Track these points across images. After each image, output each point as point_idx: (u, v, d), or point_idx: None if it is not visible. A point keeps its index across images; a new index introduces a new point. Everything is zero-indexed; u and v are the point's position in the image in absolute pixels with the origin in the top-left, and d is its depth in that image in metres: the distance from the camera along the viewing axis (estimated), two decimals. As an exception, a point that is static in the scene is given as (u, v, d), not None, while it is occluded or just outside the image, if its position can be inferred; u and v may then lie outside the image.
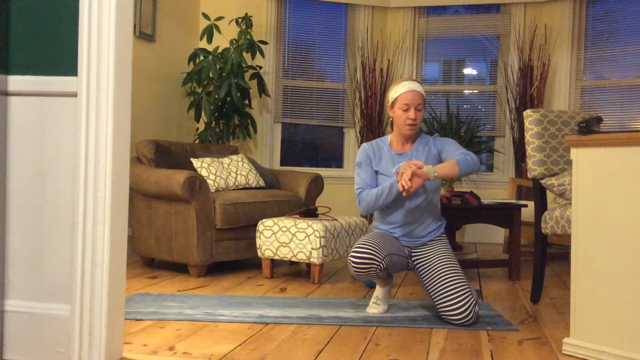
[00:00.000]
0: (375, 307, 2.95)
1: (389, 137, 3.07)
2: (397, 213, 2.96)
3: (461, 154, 2.82)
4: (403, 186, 2.65)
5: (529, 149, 3.23)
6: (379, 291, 2.99)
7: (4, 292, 2.13)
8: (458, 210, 3.90)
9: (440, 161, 2.97)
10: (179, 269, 4.01)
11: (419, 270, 2.94)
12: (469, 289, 2.76)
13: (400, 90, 2.93)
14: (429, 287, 2.85)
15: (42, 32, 2.09)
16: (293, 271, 4.09)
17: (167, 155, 4.20)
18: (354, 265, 2.77)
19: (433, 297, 2.82)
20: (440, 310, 2.78)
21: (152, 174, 3.83)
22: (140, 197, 3.98)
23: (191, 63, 5.34)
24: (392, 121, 3.01)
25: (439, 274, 2.82)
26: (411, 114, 2.90)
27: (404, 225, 2.96)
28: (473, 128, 5.74)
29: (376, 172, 2.99)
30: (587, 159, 2.35)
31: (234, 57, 5.14)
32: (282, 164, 6.03)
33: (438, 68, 6.24)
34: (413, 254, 2.99)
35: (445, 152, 2.94)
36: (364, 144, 3.05)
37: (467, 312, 2.71)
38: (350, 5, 6.09)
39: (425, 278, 2.88)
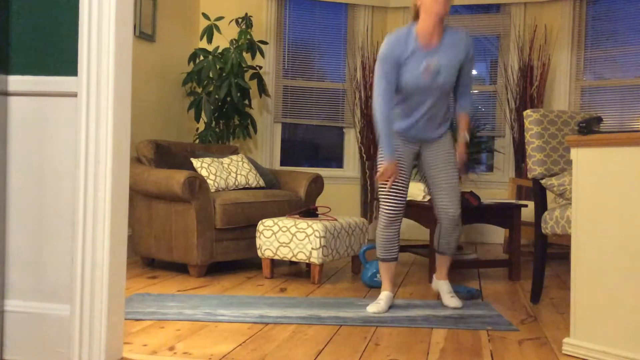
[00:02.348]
0: (375, 306, 2.96)
1: (415, 27, 3.01)
2: (418, 111, 3.01)
3: (468, 105, 3.14)
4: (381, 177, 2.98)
5: (529, 149, 3.23)
6: (384, 294, 3.05)
7: (4, 292, 2.13)
8: (458, 210, 3.90)
9: (457, 70, 3.00)
10: (179, 269, 4.01)
11: (427, 163, 3.10)
12: (459, 190, 3.11)
13: None
14: (433, 182, 3.08)
15: (42, 32, 2.09)
16: (293, 271, 4.09)
17: (167, 155, 4.20)
18: (390, 218, 3.03)
19: (434, 192, 3.08)
20: (438, 204, 3.06)
21: (152, 174, 3.83)
22: (140, 197, 3.98)
23: (191, 63, 5.34)
24: (416, 13, 3.02)
25: (444, 173, 3.06)
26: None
27: (423, 122, 3.04)
28: (473, 128, 5.74)
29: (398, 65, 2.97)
30: (587, 159, 2.35)
31: (234, 57, 5.14)
32: (282, 164, 6.04)
33: (438, 68, 6.23)
34: (423, 150, 3.11)
35: (462, 81, 3.09)
36: (391, 36, 2.99)
37: (458, 209, 3.05)
38: (350, 5, 6.09)
39: (431, 174, 3.09)
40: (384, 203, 3.04)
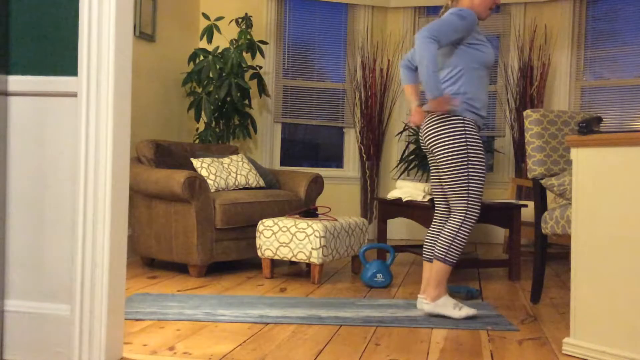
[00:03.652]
0: (468, 310, 2.87)
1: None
2: (486, 92, 2.97)
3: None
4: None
5: (529, 149, 3.23)
6: (452, 299, 2.95)
7: (4, 292, 2.13)
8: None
9: None
10: (179, 269, 4.01)
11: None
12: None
13: None
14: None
15: (42, 32, 2.09)
16: (293, 271, 4.09)
17: (167, 155, 4.20)
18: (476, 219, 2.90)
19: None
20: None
21: (152, 174, 3.83)
22: (140, 197, 3.98)
23: (191, 63, 5.34)
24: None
25: None
26: None
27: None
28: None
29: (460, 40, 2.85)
30: (587, 159, 2.35)
31: (234, 57, 5.14)
32: (282, 164, 6.04)
33: (438, 68, 6.23)
34: None
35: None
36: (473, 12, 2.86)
37: None
38: (350, 5, 6.09)
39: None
40: (477, 203, 2.87)
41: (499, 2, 2.96)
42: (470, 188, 2.85)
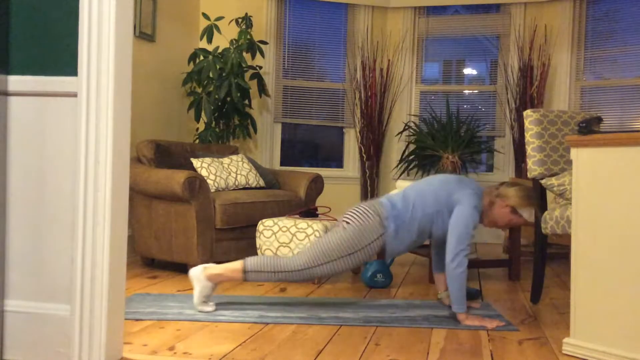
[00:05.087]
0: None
1: (483, 210, 2.95)
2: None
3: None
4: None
5: (529, 149, 3.23)
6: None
7: (4, 292, 2.13)
8: (458, 210, 3.90)
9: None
10: (179, 269, 4.01)
11: None
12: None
13: (527, 213, 2.88)
14: None
15: (42, 32, 2.09)
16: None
17: (167, 155, 4.20)
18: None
19: None
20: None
21: (152, 174, 3.83)
22: (140, 197, 3.98)
23: (191, 63, 5.34)
24: (492, 204, 2.92)
25: None
26: (515, 225, 2.97)
27: None
28: (473, 128, 5.74)
29: None
30: (587, 159, 2.35)
31: (234, 57, 5.14)
32: (282, 164, 6.04)
33: (438, 68, 6.24)
34: None
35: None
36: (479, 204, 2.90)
37: None
38: (350, 5, 6.09)
39: None
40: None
41: (508, 227, 3.05)
42: (334, 265, 2.88)
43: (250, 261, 2.90)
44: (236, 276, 2.89)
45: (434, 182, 2.97)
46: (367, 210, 2.90)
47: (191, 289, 3.41)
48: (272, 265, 2.87)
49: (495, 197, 2.92)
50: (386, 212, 2.89)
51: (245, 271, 2.88)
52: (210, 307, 2.88)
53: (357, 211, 2.91)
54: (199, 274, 2.91)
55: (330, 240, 2.87)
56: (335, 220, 3.80)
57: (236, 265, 2.90)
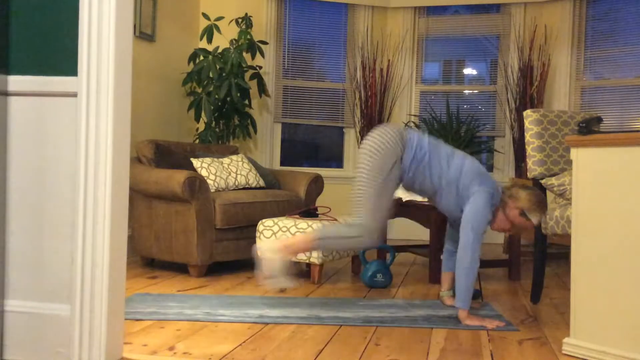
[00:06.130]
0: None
1: (495, 213, 2.93)
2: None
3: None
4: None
5: (529, 149, 3.23)
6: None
7: (4, 292, 2.13)
8: (458, 210, 3.90)
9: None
10: (179, 269, 4.01)
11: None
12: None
13: (536, 218, 2.85)
14: None
15: (42, 32, 2.09)
16: (293, 271, 4.09)
17: (167, 155, 4.20)
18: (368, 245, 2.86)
19: None
20: None
21: (152, 174, 3.83)
22: (140, 197, 3.98)
23: (191, 63, 5.34)
24: (504, 205, 2.90)
25: None
26: (520, 229, 2.95)
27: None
28: (473, 128, 5.74)
29: None
30: (587, 159, 2.34)
31: (234, 57, 5.14)
32: (282, 164, 6.04)
33: (438, 68, 6.24)
34: None
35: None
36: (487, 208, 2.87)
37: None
38: (350, 5, 6.09)
39: None
40: (377, 230, 2.85)
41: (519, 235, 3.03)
42: (374, 207, 2.83)
43: (320, 229, 2.87)
44: (308, 245, 2.83)
45: (466, 162, 2.93)
46: (389, 131, 2.88)
47: (192, 288, 3.41)
48: (337, 232, 2.84)
49: (507, 198, 2.90)
50: (409, 136, 2.89)
51: (316, 239, 2.82)
52: (289, 282, 2.82)
53: (379, 132, 2.88)
54: (272, 245, 2.81)
55: (360, 174, 2.84)
56: (335, 220, 3.80)
57: (307, 234, 2.87)
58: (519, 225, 2.90)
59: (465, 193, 2.87)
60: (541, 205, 2.85)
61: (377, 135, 2.87)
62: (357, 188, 2.85)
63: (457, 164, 2.91)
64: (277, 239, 2.85)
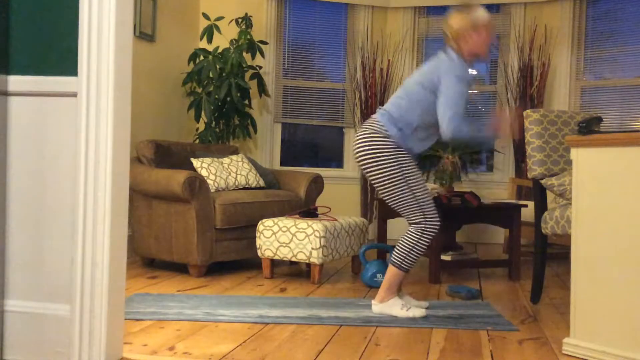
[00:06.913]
0: (418, 311, 2.91)
1: (457, 54, 2.96)
2: (434, 136, 2.99)
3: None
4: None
5: (529, 149, 3.23)
6: (405, 299, 3.04)
7: (4, 292, 2.13)
8: (458, 210, 3.90)
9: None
10: (179, 269, 4.01)
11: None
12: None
13: (484, 17, 2.91)
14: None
15: (42, 32, 2.09)
16: (293, 271, 4.09)
17: (167, 155, 4.20)
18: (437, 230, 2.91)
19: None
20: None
21: (152, 174, 3.83)
22: (140, 197, 3.98)
23: (191, 63, 5.34)
24: (456, 48, 2.94)
25: None
26: (488, 39, 2.96)
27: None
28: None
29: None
30: (587, 159, 2.34)
31: (234, 57, 5.14)
32: (282, 164, 6.04)
33: (438, 68, 6.23)
34: None
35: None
36: (459, 60, 2.93)
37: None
38: (350, 5, 6.09)
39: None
40: (434, 213, 2.88)
41: (493, 40, 3.02)
42: (419, 201, 2.87)
43: (393, 259, 2.93)
44: (395, 277, 2.93)
45: (415, 74, 2.97)
46: (370, 140, 2.88)
47: (192, 288, 3.42)
48: (405, 248, 2.90)
49: (453, 40, 2.95)
50: (382, 122, 2.88)
51: (397, 267, 2.91)
52: (419, 311, 2.89)
53: (366, 151, 2.88)
54: (381, 303, 2.95)
55: (383, 190, 2.88)
56: (335, 220, 3.80)
57: (389, 272, 2.94)
58: (481, 40, 2.92)
59: (435, 85, 2.87)
60: (469, 5, 2.92)
61: (366, 151, 2.88)
62: (392, 201, 2.90)
63: (410, 85, 2.93)
64: (378, 298, 2.96)
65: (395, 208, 2.91)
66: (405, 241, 2.90)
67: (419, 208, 2.88)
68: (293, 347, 2.38)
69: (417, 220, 2.89)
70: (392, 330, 2.67)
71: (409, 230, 2.91)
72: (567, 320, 2.91)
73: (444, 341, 2.51)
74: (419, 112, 2.88)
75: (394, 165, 2.84)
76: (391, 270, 2.93)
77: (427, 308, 3.04)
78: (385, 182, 2.86)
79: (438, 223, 2.90)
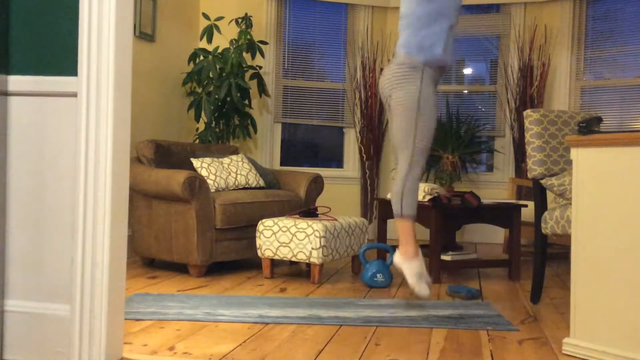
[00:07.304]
0: (423, 288, 2.90)
1: None
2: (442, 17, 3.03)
3: None
4: None
5: (529, 149, 3.23)
6: (420, 262, 2.98)
7: (4, 292, 2.13)
8: (458, 210, 3.90)
9: None
10: (179, 269, 4.01)
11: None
12: None
13: None
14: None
15: (42, 32, 2.09)
16: (293, 271, 4.09)
17: (167, 155, 4.20)
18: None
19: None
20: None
21: (152, 174, 3.83)
22: (140, 197, 3.98)
23: (191, 63, 5.34)
24: None
25: None
26: None
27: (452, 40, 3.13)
28: (473, 128, 5.74)
29: None
30: (587, 159, 2.35)
31: (234, 57, 5.14)
32: (282, 164, 6.04)
33: (438, 68, 6.23)
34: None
35: None
36: None
37: None
38: (350, 5, 6.09)
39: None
40: (425, 142, 2.90)
41: None
42: (416, 135, 2.92)
43: (394, 206, 2.93)
44: (408, 227, 2.89)
45: None
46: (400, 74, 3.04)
47: (192, 288, 3.42)
48: (399, 187, 2.92)
49: None
50: (398, 52, 3.02)
51: (401, 215, 2.90)
52: (425, 289, 2.87)
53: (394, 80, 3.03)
54: (402, 257, 2.91)
55: (397, 123, 2.93)
56: (335, 220, 3.80)
57: (398, 223, 2.92)
58: None
59: None
60: None
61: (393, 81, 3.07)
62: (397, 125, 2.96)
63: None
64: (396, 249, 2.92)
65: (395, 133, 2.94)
66: (396, 187, 2.95)
67: (412, 142, 2.91)
68: (293, 347, 2.38)
69: (404, 156, 2.92)
70: (392, 330, 2.67)
71: (397, 173, 2.96)
72: (567, 320, 2.91)
73: (444, 341, 2.51)
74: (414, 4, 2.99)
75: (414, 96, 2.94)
76: (396, 223, 2.95)
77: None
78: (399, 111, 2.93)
79: (424, 154, 2.94)
